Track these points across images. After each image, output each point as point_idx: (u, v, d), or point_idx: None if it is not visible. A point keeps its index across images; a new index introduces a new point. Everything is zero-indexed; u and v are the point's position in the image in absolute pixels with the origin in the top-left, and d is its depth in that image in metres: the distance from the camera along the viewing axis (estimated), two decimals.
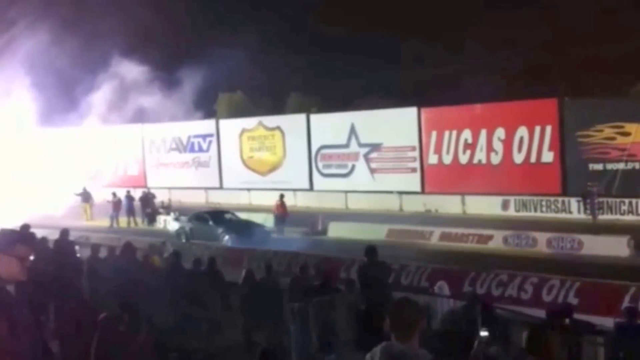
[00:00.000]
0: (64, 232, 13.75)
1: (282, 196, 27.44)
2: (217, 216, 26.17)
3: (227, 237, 24.15)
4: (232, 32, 42.30)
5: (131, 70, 37.75)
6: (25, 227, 14.56)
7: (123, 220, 30.65)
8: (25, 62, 35.12)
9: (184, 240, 24.47)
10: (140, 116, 39.44)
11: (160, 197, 32.61)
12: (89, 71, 37.62)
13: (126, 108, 39.02)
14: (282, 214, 26.96)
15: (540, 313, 9.45)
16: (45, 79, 35.49)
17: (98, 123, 38.93)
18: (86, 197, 32.33)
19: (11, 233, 4.03)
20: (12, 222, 15.97)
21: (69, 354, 8.22)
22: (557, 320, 8.28)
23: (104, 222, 30.32)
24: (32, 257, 4.03)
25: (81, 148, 40.24)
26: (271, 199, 28.35)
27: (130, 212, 30.80)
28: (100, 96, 38.10)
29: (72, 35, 33.86)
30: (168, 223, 28.41)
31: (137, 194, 32.15)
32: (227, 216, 26.41)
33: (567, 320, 8.66)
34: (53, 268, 10.78)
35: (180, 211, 29.48)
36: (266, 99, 42.88)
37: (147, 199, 31.65)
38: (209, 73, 38.70)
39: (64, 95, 36.79)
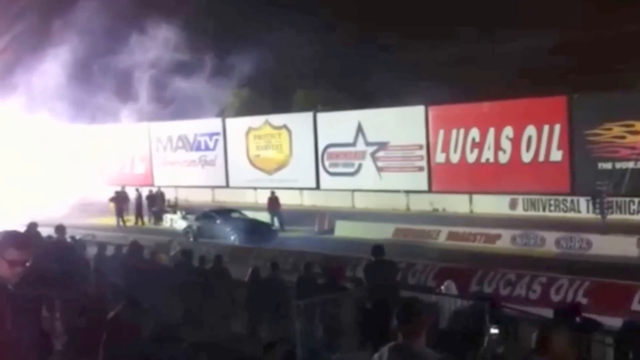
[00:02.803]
0: (60, 229, 13.63)
1: (273, 192, 28.45)
2: (225, 215, 26.19)
3: (234, 236, 24.14)
4: (237, 29, 42.23)
5: (132, 67, 37.89)
6: (33, 226, 14.49)
7: (130, 219, 30.66)
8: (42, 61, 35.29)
9: (191, 239, 24.47)
10: (147, 114, 39.48)
11: (167, 195, 32.61)
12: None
13: (129, 108, 39.10)
14: (275, 208, 27.46)
15: (549, 313, 9.36)
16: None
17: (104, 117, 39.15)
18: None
19: (6, 235, 4.03)
20: (20, 222, 15.99)
21: (76, 349, 8.22)
22: (565, 319, 8.20)
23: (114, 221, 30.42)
24: (28, 264, 4.00)
25: (88, 146, 40.39)
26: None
27: (138, 210, 30.80)
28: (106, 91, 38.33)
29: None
30: (175, 222, 28.41)
31: (143, 192, 32.09)
32: (235, 215, 26.42)
33: (576, 320, 8.59)
34: (57, 264, 10.78)
35: (186, 210, 29.50)
36: (274, 95, 42.74)
37: (155, 197, 31.64)
38: (216, 69, 38.70)
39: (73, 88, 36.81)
